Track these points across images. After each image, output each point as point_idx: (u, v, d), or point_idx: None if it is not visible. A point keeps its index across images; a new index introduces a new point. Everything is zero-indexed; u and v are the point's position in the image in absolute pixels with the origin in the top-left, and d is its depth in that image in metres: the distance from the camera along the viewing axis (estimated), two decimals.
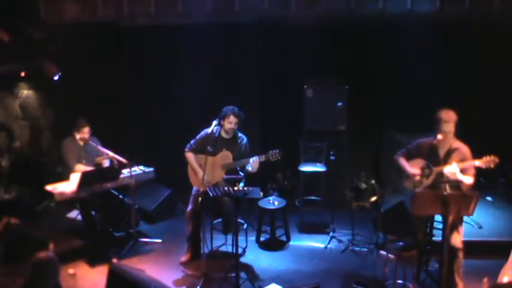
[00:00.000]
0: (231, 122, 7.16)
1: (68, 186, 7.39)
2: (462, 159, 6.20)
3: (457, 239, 6.12)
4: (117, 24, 9.06)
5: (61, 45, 9.27)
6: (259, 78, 9.53)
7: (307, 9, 8.69)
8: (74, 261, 7.38)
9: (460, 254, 6.14)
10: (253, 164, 6.95)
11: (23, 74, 9.19)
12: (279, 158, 6.90)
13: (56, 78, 9.01)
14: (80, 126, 7.81)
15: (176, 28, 9.18)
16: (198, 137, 7.43)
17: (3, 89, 9.14)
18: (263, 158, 6.93)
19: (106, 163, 7.94)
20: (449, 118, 6.18)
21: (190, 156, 7.39)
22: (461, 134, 6.33)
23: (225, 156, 7.23)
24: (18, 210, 8.09)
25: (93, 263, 7.38)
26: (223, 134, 7.24)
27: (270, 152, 6.90)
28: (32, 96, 9.89)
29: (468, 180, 6.13)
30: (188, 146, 7.42)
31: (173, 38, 9.32)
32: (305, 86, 8.98)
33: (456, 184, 6.18)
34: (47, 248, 6.33)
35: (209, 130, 7.34)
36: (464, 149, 6.28)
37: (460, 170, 6.11)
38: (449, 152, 6.30)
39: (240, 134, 7.41)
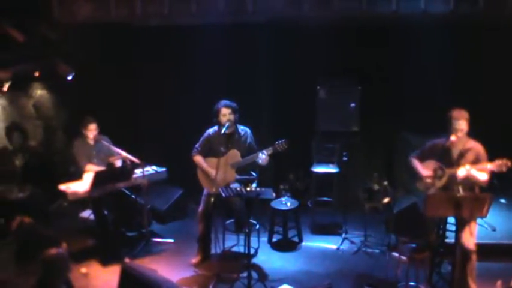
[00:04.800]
0: (224, 114, 7.17)
1: (81, 186, 7.43)
2: (476, 158, 6.16)
3: (470, 241, 6.07)
4: (130, 24, 9.08)
5: (74, 46, 9.31)
6: (271, 78, 9.52)
7: (319, 9, 8.67)
8: (86, 261, 7.42)
9: (473, 257, 6.09)
10: (262, 158, 6.95)
11: (36, 74, 9.24)
12: (286, 147, 6.90)
13: (69, 78, 9.05)
14: (87, 123, 7.82)
15: (189, 28, 9.19)
16: (201, 139, 7.44)
17: (18, 89, 9.20)
18: (270, 150, 6.93)
19: (118, 163, 7.96)
20: (460, 116, 6.12)
21: (198, 159, 7.39)
22: (475, 135, 6.29)
23: (233, 155, 7.23)
24: (32, 209, 8.11)
25: (105, 262, 7.39)
26: (225, 130, 7.17)
27: (276, 142, 6.91)
28: (46, 96, 9.96)
29: (482, 176, 6.08)
30: (194, 150, 7.43)
31: (186, 39, 9.34)
32: (318, 87, 8.97)
33: (469, 186, 6.15)
34: (59, 247, 6.36)
35: (210, 130, 7.39)
36: (478, 148, 6.22)
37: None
38: (463, 153, 6.24)
39: (241, 128, 7.41)
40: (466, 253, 6.04)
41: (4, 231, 7.70)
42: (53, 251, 4.87)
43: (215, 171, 6.94)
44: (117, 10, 8.90)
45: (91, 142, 7.91)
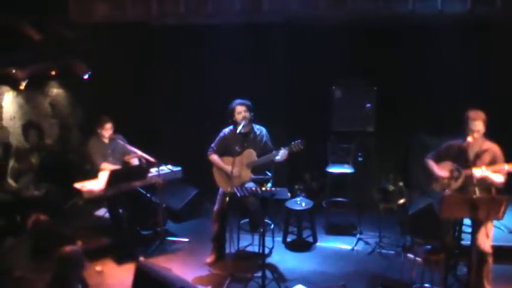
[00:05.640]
0: (239, 112, 7.17)
1: (96, 184, 7.47)
2: (493, 160, 6.11)
3: (486, 244, 6.03)
4: (146, 23, 9.11)
5: (90, 45, 9.36)
6: (287, 78, 9.51)
7: (335, 9, 8.62)
8: (101, 259, 7.45)
9: (489, 259, 6.04)
10: (282, 154, 6.92)
11: (53, 72, 9.31)
12: (302, 148, 6.88)
13: (85, 77, 9.11)
14: (102, 122, 7.88)
15: (205, 28, 9.20)
16: (217, 138, 7.45)
17: (34, 88, 9.25)
18: (286, 150, 6.92)
19: (135, 161, 7.99)
20: (477, 116, 6.07)
21: (214, 158, 7.39)
22: (491, 136, 6.24)
23: (249, 154, 7.22)
24: (47, 207, 8.18)
25: (120, 260, 7.42)
26: (241, 129, 7.15)
27: (292, 143, 6.89)
28: (62, 94, 10.04)
29: (498, 178, 6.03)
30: (210, 149, 7.43)
31: (202, 38, 9.36)
32: (333, 87, 8.95)
33: (486, 187, 6.09)
34: (74, 245, 6.40)
35: (226, 130, 7.39)
36: (495, 149, 6.16)
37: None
38: (479, 154, 6.19)
39: (257, 127, 7.40)
40: (482, 255, 6.00)
41: (20, 229, 7.77)
42: (68, 248, 4.91)
43: (232, 171, 6.95)
44: (133, 10, 8.92)
45: (106, 141, 7.96)
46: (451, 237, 6.51)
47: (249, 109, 7.20)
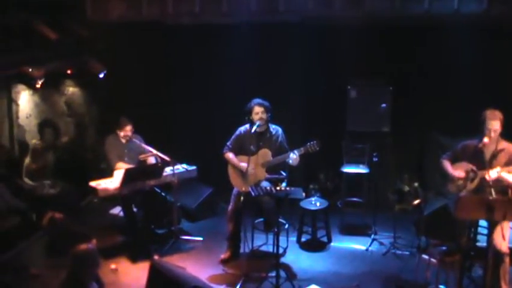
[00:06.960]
0: (257, 113, 7.15)
1: (111, 183, 7.49)
2: (509, 160, 6.07)
3: (503, 245, 5.98)
4: (161, 22, 9.13)
5: (106, 44, 9.40)
6: (302, 78, 9.49)
7: (351, 9, 8.60)
8: (115, 257, 7.48)
9: (507, 259, 6.01)
10: (293, 158, 6.92)
11: (69, 71, 9.35)
12: (317, 148, 6.87)
13: (101, 76, 9.15)
14: (123, 124, 7.90)
15: (220, 27, 9.20)
16: (233, 137, 7.45)
17: (50, 86, 9.30)
18: (302, 151, 6.90)
19: (152, 160, 8.01)
20: (494, 116, 6.06)
21: (229, 156, 7.39)
22: (508, 137, 6.20)
23: (264, 154, 7.22)
24: (63, 205, 8.21)
25: (134, 259, 7.44)
26: (257, 128, 7.15)
27: (308, 144, 6.88)
28: (78, 93, 10.08)
29: None
30: (225, 147, 7.44)
31: (217, 37, 9.35)
32: (348, 87, 8.91)
33: (502, 188, 6.05)
34: (89, 243, 6.43)
35: (242, 128, 7.39)
36: (511, 149, 6.14)
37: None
38: (495, 154, 6.16)
39: (273, 127, 7.38)
40: (498, 256, 5.96)
41: (35, 226, 7.81)
42: (83, 246, 4.93)
43: (247, 170, 6.95)
44: (149, 9, 8.94)
45: (123, 140, 7.98)
46: (467, 238, 6.45)
47: (267, 110, 7.19)
